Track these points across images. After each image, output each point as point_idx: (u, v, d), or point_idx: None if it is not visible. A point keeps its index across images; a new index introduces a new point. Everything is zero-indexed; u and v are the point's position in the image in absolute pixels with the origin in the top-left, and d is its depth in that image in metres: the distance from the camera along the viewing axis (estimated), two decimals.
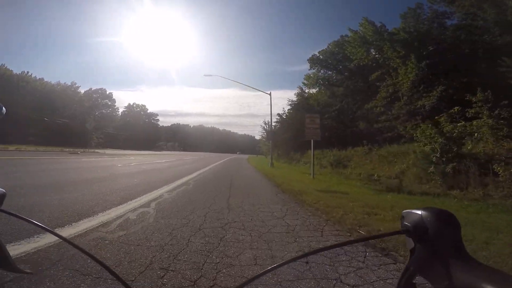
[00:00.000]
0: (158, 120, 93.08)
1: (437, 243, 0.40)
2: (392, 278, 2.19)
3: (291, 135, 33.56)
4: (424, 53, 23.39)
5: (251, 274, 2.22)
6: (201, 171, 12.43)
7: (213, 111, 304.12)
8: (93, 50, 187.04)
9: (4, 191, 0.56)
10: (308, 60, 43.90)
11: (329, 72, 43.30)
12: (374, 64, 35.96)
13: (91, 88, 71.64)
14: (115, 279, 0.51)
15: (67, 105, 61.88)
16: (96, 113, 69.87)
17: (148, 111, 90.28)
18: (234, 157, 47.00)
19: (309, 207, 5.10)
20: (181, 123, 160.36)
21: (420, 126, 12.94)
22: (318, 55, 42.92)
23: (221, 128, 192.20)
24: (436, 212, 0.42)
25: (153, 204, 4.66)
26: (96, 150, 30.79)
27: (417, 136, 12.55)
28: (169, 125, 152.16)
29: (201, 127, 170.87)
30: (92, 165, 12.04)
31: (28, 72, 62.00)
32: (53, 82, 63.03)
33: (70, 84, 65.55)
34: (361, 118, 31.10)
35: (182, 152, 66.92)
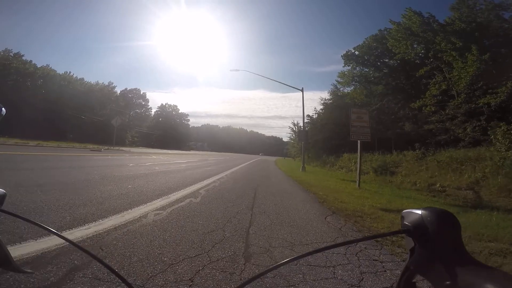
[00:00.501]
0: (189, 120, 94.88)
1: (437, 243, 0.40)
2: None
3: (324, 137, 31.07)
4: (487, 43, 19.78)
5: None
6: (221, 175, 10.55)
7: (241, 113, 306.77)
8: (130, 53, 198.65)
9: (4, 191, 0.55)
10: (342, 56, 40.75)
11: (366, 69, 39.84)
12: (417, 61, 32.38)
13: (126, 88, 74.74)
14: (117, 279, 0.49)
15: (104, 104, 64.92)
16: (131, 113, 72.57)
17: (180, 111, 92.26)
18: (261, 159, 45.43)
19: (394, 246, 3.11)
20: (210, 124, 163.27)
21: (500, 127, 10.21)
22: (353, 51, 39.69)
23: (248, 130, 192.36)
24: (436, 212, 0.42)
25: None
26: (122, 148, 30.86)
27: (498, 139, 9.86)
28: (199, 125, 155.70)
29: (229, 128, 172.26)
30: (99, 164, 10.53)
31: (70, 72, 65.85)
32: (92, 82, 66.31)
33: (107, 84, 68.64)
34: (405, 119, 27.82)
35: (209, 152, 66.86)
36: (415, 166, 14.45)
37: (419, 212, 0.43)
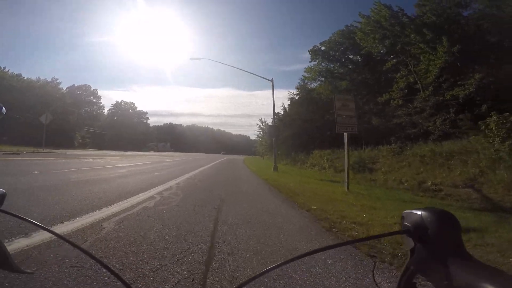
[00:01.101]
0: (148, 118, 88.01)
1: (437, 243, 0.40)
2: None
3: (293, 133, 29.69)
4: (456, 36, 19.75)
5: None
6: (171, 183, 7.77)
7: (207, 111, 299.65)
8: (83, 50, 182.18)
9: (4, 191, 0.54)
10: (309, 51, 40.09)
11: (331, 64, 39.64)
12: (381, 56, 32.69)
13: (74, 85, 66.72)
14: (115, 279, 0.51)
15: (47, 102, 56.91)
16: (81, 111, 64.86)
17: (138, 109, 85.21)
18: (228, 158, 43.03)
19: None
20: (173, 123, 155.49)
21: (491, 117, 9.23)
22: (320, 46, 39.19)
23: (215, 128, 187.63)
24: (436, 212, 0.42)
25: None
26: (55, 150, 26.15)
27: (492, 129, 8.82)
28: (161, 124, 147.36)
29: (194, 127, 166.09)
30: None
31: (4, 68, 56.97)
32: (32, 78, 57.82)
33: (50, 80, 60.47)
34: (371, 113, 27.54)
35: (171, 153, 62.34)
36: (394, 162, 13.35)
37: (419, 212, 0.43)
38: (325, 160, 18.97)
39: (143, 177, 9.06)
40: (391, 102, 23.18)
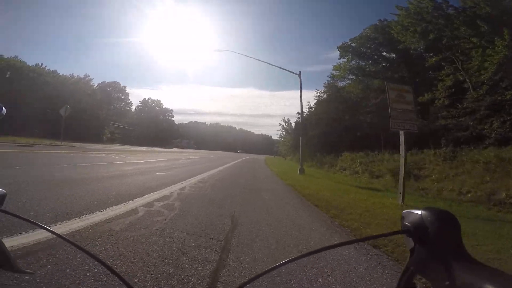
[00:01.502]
0: (173, 116, 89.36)
1: (437, 243, 0.40)
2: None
3: (320, 133, 27.76)
4: None
5: None
6: (176, 187, 6.55)
7: (230, 111, 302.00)
8: (115, 50, 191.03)
9: (4, 191, 0.55)
10: (338, 47, 37.63)
11: (362, 62, 36.92)
12: (417, 54, 29.88)
13: (104, 81, 69.19)
14: (117, 279, 0.51)
15: (79, 98, 59.42)
16: (111, 107, 67.19)
17: (164, 107, 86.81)
18: (248, 158, 41.88)
19: None
20: (198, 121, 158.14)
21: None
22: (349, 43, 36.67)
23: (237, 127, 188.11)
24: (436, 212, 0.42)
25: None
26: (73, 144, 26.20)
27: None
28: (187, 122, 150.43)
29: (218, 125, 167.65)
30: None
31: (42, 64, 60.27)
32: (66, 74, 60.72)
33: (83, 76, 63.10)
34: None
35: (194, 150, 62.50)
36: (446, 168, 11.26)
37: (419, 212, 0.42)
38: (358, 164, 17.03)
39: (142, 178, 7.39)
40: (436, 102, 20.54)
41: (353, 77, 36.36)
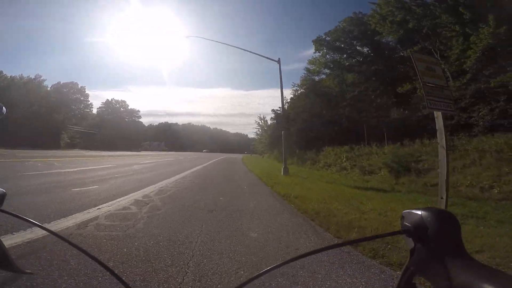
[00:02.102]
0: (140, 117, 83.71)
1: (437, 243, 0.40)
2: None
3: (299, 129, 26.20)
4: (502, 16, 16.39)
5: None
6: (87, 214, 4.07)
7: (204, 111, 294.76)
8: (78, 50, 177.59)
9: (4, 191, 0.55)
10: (313, 41, 36.48)
11: (336, 56, 36.17)
12: (392, 46, 29.82)
13: (59, 82, 62.63)
14: (115, 279, 0.51)
15: (30, 101, 52.92)
16: (68, 110, 60.75)
17: (130, 108, 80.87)
18: (225, 158, 39.53)
19: None
20: (169, 122, 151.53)
21: None
22: (324, 36, 35.70)
23: (212, 127, 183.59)
24: (436, 212, 0.42)
25: None
26: (3, 151, 21.91)
27: None
28: (157, 124, 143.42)
29: (190, 125, 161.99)
30: None
31: None
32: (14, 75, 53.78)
33: (33, 77, 56.38)
34: (387, 106, 24.28)
35: (163, 153, 58.40)
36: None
37: (419, 212, 0.42)
38: (344, 159, 15.54)
39: (36, 200, 4.80)
40: (418, 92, 19.76)
41: (328, 71, 35.72)
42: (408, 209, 0.44)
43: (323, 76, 35.20)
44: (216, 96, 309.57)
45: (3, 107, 0.67)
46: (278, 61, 14.83)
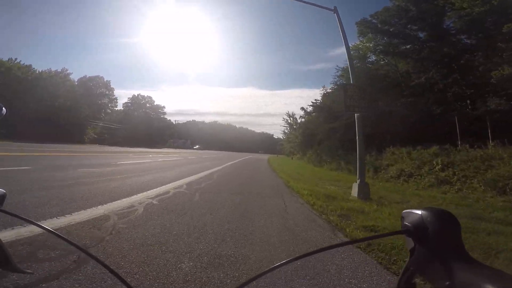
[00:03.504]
0: (165, 113, 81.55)
1: (437, 243, 0.39)
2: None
3: (347, 122, 20.21)
4: None
5: None
6: None
7: (230, 110, 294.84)
8: (114, 51, 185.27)
9: (4, 191, 0.55)
10: (356, 24, 30.21)
11: (386, 40, 29.47)
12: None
13: (85, 76, 61.76)
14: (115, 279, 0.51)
15: (56, 94, 52.18)
16: (94, 105, 59.73)
17: (155, 103, 78.90)
18: (248, 158, 34.59)
19: None
20: (196, 120, 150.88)
21: None
22: (369, 18, 29.28)
23: (238, 126, 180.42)
24: (436, 212, 0.42)
25: None
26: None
27: None
28: (185, 122, 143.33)
29: (216, 124, 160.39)
30: None
31: (15, 59, 53.32)
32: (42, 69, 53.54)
33: (60, 70, 55.80)
34: (473, 96, 17.90)
35: (187, 151, 54.82)
36: None
37: (419, 212, 0.42)
38: (439, 165, 9.69)
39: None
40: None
41: (376, 58, 29.71)
42: None
43: (369, 66, 29.22)
44: (241, 96, 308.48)
45: (3, 108, 0.65)
46: (335, 10, 9.30)
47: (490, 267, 0.34)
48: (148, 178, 7.74)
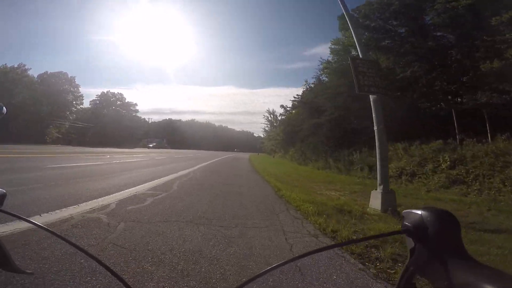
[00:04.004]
0: (137, 111, 76.43)
1: (438, 243, 0.39)
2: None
3: (331, 118, 19.04)
4: None
5: None
6: None
7: (209, 109, 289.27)
8: (86, 49, 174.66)
9: (4, 191, 0.55)
10: (338, 18, 29.26)
11: (365, 34, 28.79)
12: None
13: (46, 72, 56.15)
14: (114, 278, 0.51)
15: (10, 91, 46.85)
16: (57, 101, 54.46)
17: (127, 101, 73.71)
18: (228, 157, 32.69)
19: None
20: (173, 119, 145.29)
21: None
22: (351, 12, 28.19)
23: (217, 124, 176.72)
24: (436, 212, 0.41)
25: None
26: None
27: None
28: (160, 120, 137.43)
29: (194, 122, 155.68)
30: None
31: None
32: None
33: (16, 66, 50.23)
34: (464, 89, 17.42)
35: (160, 150, 51.49)
36: None
37: (419, 212, 0.42)
38: (447, 162, 8.55)
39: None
40: None
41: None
42: None
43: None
44: (220, 95, 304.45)
45: (3, 107, 0.65)
46: None
47: (490, 267, 0.34)
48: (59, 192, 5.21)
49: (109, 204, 4.36)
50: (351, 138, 17.33)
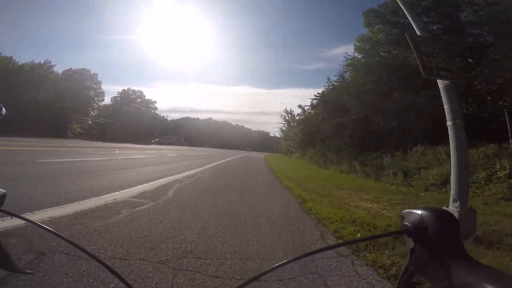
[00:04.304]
0: (156, 108, 77.75)
1: (437, 243, 0.40)
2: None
3: (357, 118, 17.62)
4: None
5: None
6: None
7: (226, 108, 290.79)
8: (109, 48, 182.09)
9: (4, 191, 0.55)
10: (363, 14, 27.46)
11: (393, 31, 26.75)
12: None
13: (70, 68, 57.95)
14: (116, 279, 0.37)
15: (36, 86, 48.61)
16: (79, 97, 56.06)
17: (146, 98, 75.16)
18: (243, 157, 31.78)
19: None
20: (191, 117, 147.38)
21: None
22: (377, 8, 26.52)
23: (233, 123, 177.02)
24: (436, 212, 0.42)
25: None
26: None
27: None
28: (179, 118, 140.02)
29: (211, 121, 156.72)
30: None
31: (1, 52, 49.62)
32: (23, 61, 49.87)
33: (43, 62, 52.09)
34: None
35: (175, 147, 51.56)
36: None
37: (419, 212, 0.42)
38: (505, 170, 7.08)
39: None
40: None
41: (383, 52, 27.06)
42: None
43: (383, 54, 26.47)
44: (237, 94, 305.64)
45: (3, 108, 0.66)
46: None
47: (490, 267, 0.34)
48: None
49: (58, 217, 3.15)
50: (379, 140, 15.86)
